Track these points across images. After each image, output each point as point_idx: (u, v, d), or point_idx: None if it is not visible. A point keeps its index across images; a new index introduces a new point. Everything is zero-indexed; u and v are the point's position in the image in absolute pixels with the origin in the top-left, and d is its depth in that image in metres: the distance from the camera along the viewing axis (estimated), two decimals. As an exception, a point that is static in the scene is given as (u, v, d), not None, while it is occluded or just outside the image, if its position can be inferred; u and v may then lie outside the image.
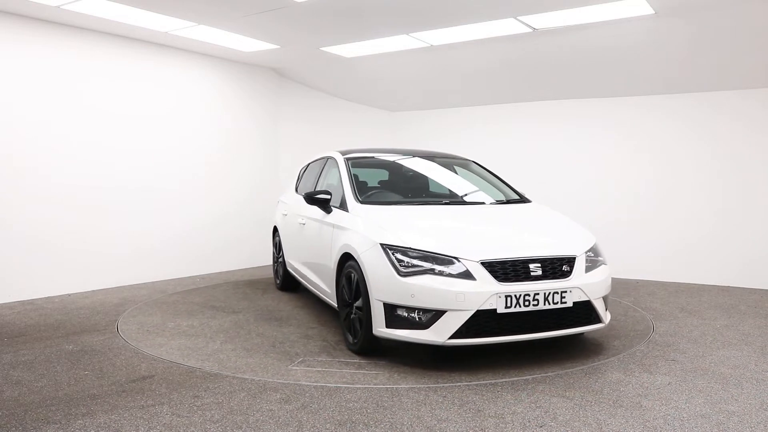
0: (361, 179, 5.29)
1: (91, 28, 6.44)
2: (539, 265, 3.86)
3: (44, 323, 5.12)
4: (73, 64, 6.40)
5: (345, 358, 4.18)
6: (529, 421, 3.06)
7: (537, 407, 3.24)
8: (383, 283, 3.88)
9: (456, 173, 5.55)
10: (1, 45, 5.86)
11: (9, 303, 5.89)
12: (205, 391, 3.50)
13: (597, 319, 4.07)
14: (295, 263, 6.04)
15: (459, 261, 3.78)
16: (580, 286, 3.91)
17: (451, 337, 3.69)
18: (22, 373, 3.82)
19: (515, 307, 3.73)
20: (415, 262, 3.82)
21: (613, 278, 7.31)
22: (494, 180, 5.48)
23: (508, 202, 5.10)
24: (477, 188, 5.34)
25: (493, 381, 3.66)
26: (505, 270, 3.79)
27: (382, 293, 3.88)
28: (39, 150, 6.15)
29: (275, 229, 6.87)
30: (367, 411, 3.20)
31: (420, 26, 6.08)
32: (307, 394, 3.43)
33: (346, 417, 3.11)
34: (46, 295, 6.21)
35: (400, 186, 5.37)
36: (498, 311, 3.70)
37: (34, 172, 6.11)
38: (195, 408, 3.24)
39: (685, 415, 3.14)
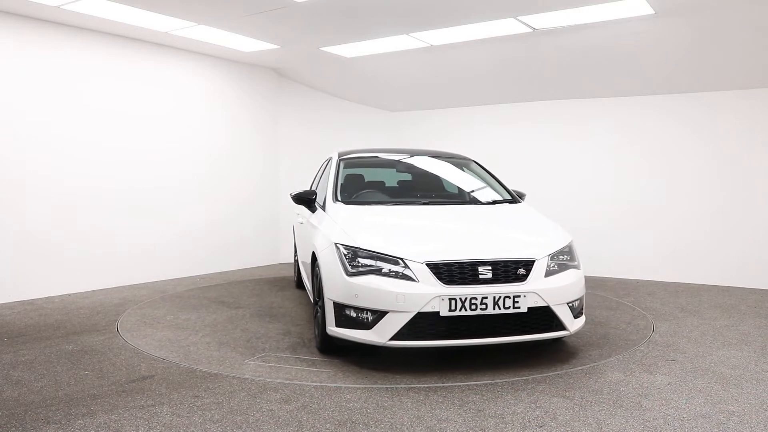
0: (367, 179, 5.31)
1: (91, 28, 6.44)
2: (489, 268, 3.72)
3: (44, 323, 5.13)
4: (73, 64, 6.40)
5: (305, 355, 4.19)
6: (529, 421, 3.06)
7: (537, 407, 3.24)
8: (333, 282, 3.88)
9: (451, 173, 5.48)
10: (1, 45, 5.86)
11: (9, 303, 5.89)
12: (205, 391, 3.50)
13: (560, 326, 3.86)
14: (299, 261, 6.14)
15: (403, 262, 3.74)
16: (536, 290, 3.73)
17: (392, 339, 3.65)
18: (22, 373, 3.82)
19: (460, 310, 3.63)
20: (364, 261, 3.80)
21: (613, 278, 7.40)
22: (489, 179, 5.33)
23: (495, 202, 4.93)
24: (466, 188, 5.27)
25: (493, 381, 3.65)
26: (451, 272, 3.68)
27: (333, 292, 3.89)
28: (39, 150, 6.15)
29: (294, 229, 6.96)
30: (367, 411, 3.20)
31: (420, 26, 6.08)
32: (307, 394, 3.43)
33: (346, 417, 3.11)
34: (46, 295, 6.21)
35: (389, 186, 5.34)
36: (441, 314, 3.61)
37: (34, 172, 6.11)
38: (195, 408, 3.24)
39: (685, 415, 3.14)
